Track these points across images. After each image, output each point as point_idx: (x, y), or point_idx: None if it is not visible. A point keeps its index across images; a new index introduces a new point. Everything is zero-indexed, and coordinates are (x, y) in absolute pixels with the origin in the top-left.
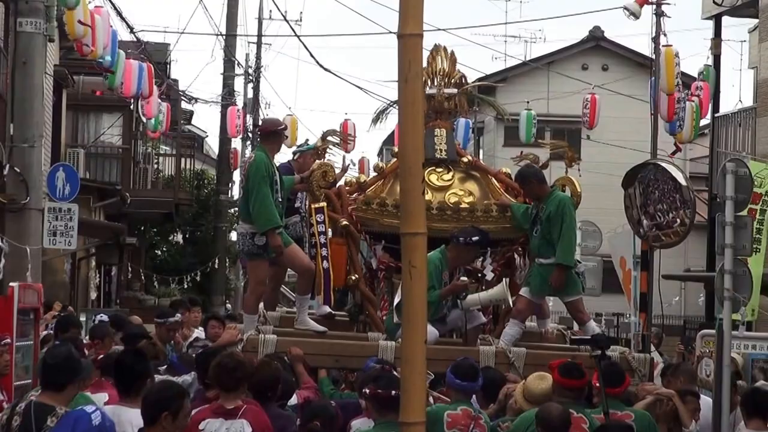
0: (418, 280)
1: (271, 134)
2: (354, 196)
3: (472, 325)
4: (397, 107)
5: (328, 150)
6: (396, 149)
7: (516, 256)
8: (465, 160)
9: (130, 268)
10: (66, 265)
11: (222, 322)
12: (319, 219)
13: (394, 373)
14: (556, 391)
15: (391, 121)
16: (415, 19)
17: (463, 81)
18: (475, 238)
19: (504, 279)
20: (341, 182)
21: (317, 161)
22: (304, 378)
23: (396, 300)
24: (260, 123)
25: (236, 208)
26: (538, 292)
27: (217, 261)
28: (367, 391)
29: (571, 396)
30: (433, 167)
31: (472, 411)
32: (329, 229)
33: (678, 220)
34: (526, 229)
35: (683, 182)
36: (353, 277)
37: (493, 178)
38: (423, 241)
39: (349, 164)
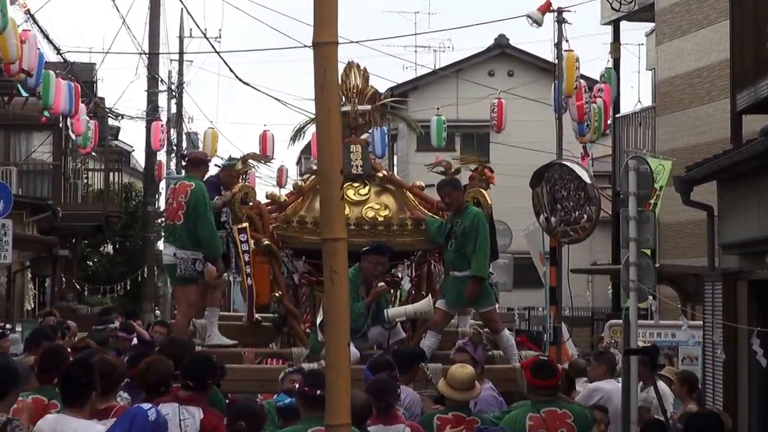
0: (339, 285)
1: (201, 164)
2: (275, 215)
3: (394, 340)
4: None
5: (250, 168)
6: (314, 163)
7: (433, 262)
8: (380, 174)
9: (63, 279)
10: (2, 278)
11: (167, 327)
12: (242, 239)
13: None
14: (530, 390)
15: (309, 133)
16: (329, 28)
17: (376, 96)
18: (369, 248)
19: (429, 293)
20: (262, 200)
21: (238, 184)
22: None
23: (318, 319)
24: (189, 154)
25: (163, 219)
26: (453, 303)
27: (146, 269)
28: (297, 385)
29: (545, 394)
30: (350, 182)
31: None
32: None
33: (584, 216)
34: (441, 243)
35: (588, 180)
36: (277, 294)
37: (408, 192)
38: (344, 246)
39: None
